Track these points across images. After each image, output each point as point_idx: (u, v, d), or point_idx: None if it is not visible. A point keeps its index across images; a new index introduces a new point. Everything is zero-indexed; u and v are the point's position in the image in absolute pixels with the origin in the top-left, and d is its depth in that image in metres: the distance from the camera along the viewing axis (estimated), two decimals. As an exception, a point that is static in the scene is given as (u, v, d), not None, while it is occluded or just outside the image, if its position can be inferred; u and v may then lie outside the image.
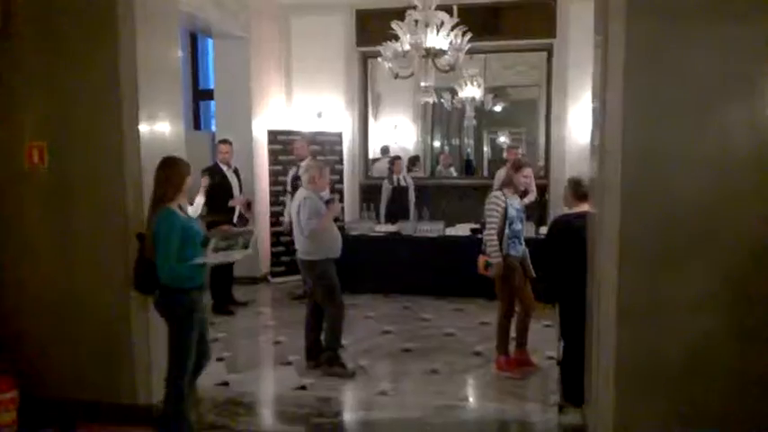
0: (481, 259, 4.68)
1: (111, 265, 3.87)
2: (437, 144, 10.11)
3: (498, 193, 4.70)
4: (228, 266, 6.48)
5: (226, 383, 4.64)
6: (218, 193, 6.47)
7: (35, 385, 3.92)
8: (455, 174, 9.57)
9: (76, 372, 4.00)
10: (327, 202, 4.90)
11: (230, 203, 6.63)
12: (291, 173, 7.29)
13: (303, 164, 6.97)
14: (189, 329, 3.35)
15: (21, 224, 4.02)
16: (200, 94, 9.72)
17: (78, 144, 3.88)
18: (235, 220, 6.59)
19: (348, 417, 4.28)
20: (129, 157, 3.81)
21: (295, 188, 6.82)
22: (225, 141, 6.85)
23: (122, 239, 3.79)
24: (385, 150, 9.47)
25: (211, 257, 3.36)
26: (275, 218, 7.93)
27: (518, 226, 4.67)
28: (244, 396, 4.43)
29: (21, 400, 3.84)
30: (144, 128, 3.83)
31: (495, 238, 4.55)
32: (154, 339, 3.88)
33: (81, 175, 3.89)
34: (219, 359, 5.07)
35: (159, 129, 3.98)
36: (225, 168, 6.73)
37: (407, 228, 7.48)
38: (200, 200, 4.67)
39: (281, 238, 7.83)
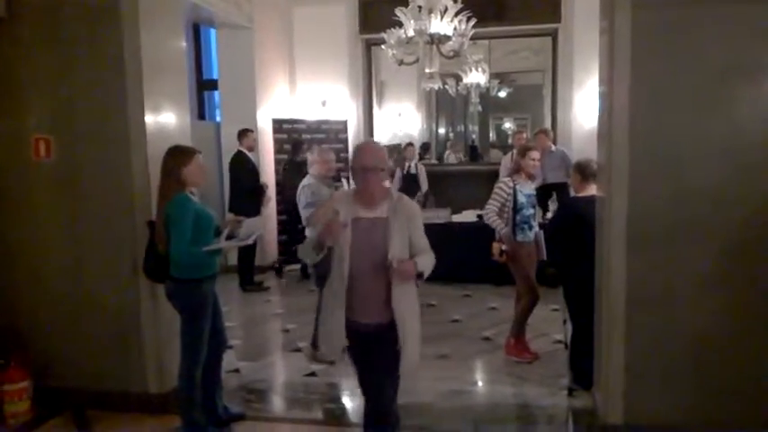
0: (495, 246, 4.68)
1: (119, 255, 3.88)
2: (442, 131, 10.08)
3: (506, 179, 4.70)
4: (251, 249, 6.71)
5: (237, 371, 4.68)
6: (250, 178, 6.91)
7: (48, 375, 3.98)
8: (462, 159, 9.55)
9: (88, 361, 4.02)
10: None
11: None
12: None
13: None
14: (201, 320, 3.37)
15: (29, 218, 4.04)
16: (204, 85, 9.69)
17: (84, 136, 3.88)
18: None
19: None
20: (136, 148, 3.81)
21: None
22: (251, 130, 7.20)
23: (130, 229, 3.81)
24: None
25: (224, 243, 3.44)
26: (281, 206, 7.96)
27: (528, 211, 4.66)
28: (255, 383, 4.48)
29: (34, 390, 3.91)
30: (149, 119, 3.84)
31: (493, 216, 4.60)
32: (164, 328, 3.90)
33: (87, 166, 3.90)
34: (229, 347, 5.08)
35: (165, 120, 3.99)
36: (250, 155, 7.08)
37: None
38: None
39: (287, 226, 7.87)
